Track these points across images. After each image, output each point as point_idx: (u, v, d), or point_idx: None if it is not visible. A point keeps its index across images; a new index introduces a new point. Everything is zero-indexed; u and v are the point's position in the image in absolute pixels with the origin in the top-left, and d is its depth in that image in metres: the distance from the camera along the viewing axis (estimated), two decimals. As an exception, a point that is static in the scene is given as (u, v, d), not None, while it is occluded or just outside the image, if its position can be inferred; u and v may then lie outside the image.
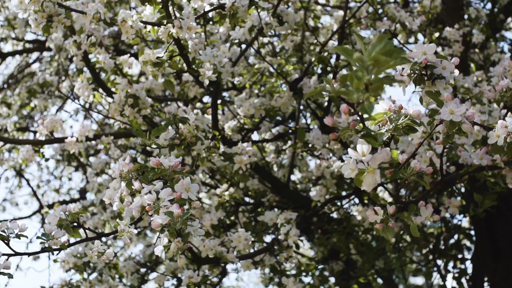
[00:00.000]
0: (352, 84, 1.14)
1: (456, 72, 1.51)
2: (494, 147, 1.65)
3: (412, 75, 1.53)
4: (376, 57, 1.09)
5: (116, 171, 1.66)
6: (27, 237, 1.65)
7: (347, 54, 1.12)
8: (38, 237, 1.66)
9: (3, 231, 1.62)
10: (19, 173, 5.45)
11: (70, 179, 5.85)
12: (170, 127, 2.23)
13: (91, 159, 4.30)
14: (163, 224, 1.47)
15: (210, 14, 2.30)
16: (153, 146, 2.14)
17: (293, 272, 3.22)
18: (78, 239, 1.77)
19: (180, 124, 2.27)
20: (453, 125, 1.46)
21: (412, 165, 1.49)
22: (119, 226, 1.68)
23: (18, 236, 1.63)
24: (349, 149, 1.29)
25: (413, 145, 2.39)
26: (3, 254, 1.60)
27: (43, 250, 1.68)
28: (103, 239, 4.01)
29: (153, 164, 1.63)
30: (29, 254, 1.73)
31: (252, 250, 2.52)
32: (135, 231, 1.70)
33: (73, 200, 5.24)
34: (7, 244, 1.64)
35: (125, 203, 1.63)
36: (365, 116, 1.29)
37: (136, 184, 1.60)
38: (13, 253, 1.66)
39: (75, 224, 1.74)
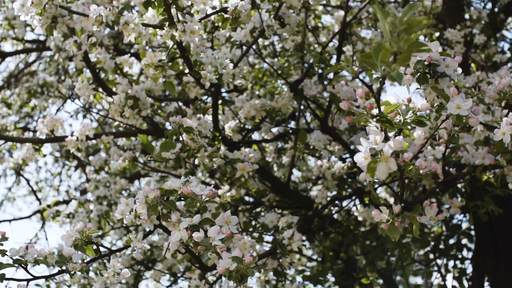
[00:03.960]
0: (378, 56, 1.12)
1: (459, 70, 1.51)
2: (498, 144, 1.64)
3: (416, 74, 1.52)
4: (409, 21, 1.08)
5: (141, 197, 1.64)
6: (46, 263, 1.66)
7: (383, 15, 1.10)
8: (56, 262, 1.66)
9: (21, 256, 1.62)
10: (19, 173, 5.45)
11: (69, 176, 5.84)
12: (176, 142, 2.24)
13: (91, 158, 4.30)
14: (229, 270, 1.44)
15: (212, 17, 2.30)
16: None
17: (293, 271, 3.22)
18: (92, 256, 1.76)
19: (184, 134, 2.27)
20: (460, 119, 1.46)
21: (417, 164, 1.49)
22: (132, 242, 1.68)
23: (36, 262, 1.64)
24: (361, 138, 1.28)
25: (414, 146, 2.39)
26: (23, 280, 1.61)
27: (60, 272, 1.69)
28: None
29: (185, 193, 1.60)
30: (46, 278, 1.75)
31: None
32: (148, 246, 1.71)
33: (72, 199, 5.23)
34: (25, 269, 1.65)
35: (141, 220, 1.62)
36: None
37: (173, 217, 1.57)
38: (32, 277, 1.68)
39: (89, 242, 1.74)
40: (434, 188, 2.08)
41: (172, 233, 1.56)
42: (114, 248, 4.55)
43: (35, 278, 1.68)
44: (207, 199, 1.61)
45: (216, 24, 2.48)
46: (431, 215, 1.62)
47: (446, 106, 1.45)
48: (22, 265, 1.63)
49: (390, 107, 1.34)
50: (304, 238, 3.43)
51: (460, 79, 2.47)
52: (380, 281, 3.65)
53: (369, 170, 1.29)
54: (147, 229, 1.79)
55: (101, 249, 1.77)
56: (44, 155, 2.89)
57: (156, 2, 2.08)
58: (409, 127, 1.37)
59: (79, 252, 1.69)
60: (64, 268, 1.66)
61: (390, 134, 1.33)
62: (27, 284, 1.63)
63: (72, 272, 1.66)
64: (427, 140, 1.59)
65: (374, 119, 1.28)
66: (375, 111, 1.29)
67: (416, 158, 1.63)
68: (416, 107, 1.38)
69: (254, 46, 2.77)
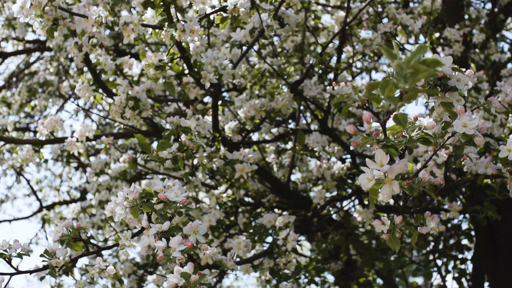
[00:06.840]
0: (384, 91, 1.12)
1: (470, 84, 1.50)
2: (502, 160, 1.64)
3: (426, 86, 1.51)
4: (415, 66, 1.07)
5: (121, 198, 1.63)
6: (29, 255, 1.65)
7: (391, 57, 1.10)
8: (41, 255, 1.65)
9: (5, 250, 1.62)
10: (19, 173, 5.46)
11: (70, 178, 5.85)
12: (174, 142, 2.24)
13: (91, 158, 4.29)
14: (178, 286, 1.41)
15: (211, 17, 2.30)
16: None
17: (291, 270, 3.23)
18: (80, 253, 1.75)
19: (183, 135, 2.27)
20: (466, 137, 1.46)
21: (420, 176, 1.48)
22: (120, 240, 1.67)
23: (20, 256, 1.62)
24: (366, 159, 1.27)
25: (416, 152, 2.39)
26: (6, 274, 1.60)
27: (45, 267, 1.68)
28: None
29: (161, 198, 1.59)
30: (31, 272, 1.73)
31: (251, 254, 2.52)
32: (137, 245, 1.70)
33: (73, 200, 5.24)
34: (9, 263, 1.64)
35: (127, 220, 1.61)
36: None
37: (143, 223, 1.56)
38: (16, 271, 1.66)
39: (77, 238, 1.72)
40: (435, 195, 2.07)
41: (142, 238, 1.54)
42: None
43: (18, 272, 1.67)
44: (181, 205, 1.59)
45: (212, 20, 2.48)
46: (432, 226, 1.62)
47: (453, 124, 1.45)
48: (6, 259, 1.62)
49: (395, 131, 1.33)
50: (303, 238, 3.43)
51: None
52: (380, 281, 3.65)
53: (372, 192, 1.28)
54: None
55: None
56: (46, 160, 2.89)
57: (155, 2, 2.07)
58: (415, 144, 1.36)
59: (66, 248, 1.67)
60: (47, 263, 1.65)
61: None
62: (10, 278, 1.61)
63: (57, 268, 1.65)
64: (431, 156, 1.58)
65: (380, 144, 1.27)
66: (380, 136, 1.28)
67: (425, 167, 1.62)
68: (422, 124, 1.37)
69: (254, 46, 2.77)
